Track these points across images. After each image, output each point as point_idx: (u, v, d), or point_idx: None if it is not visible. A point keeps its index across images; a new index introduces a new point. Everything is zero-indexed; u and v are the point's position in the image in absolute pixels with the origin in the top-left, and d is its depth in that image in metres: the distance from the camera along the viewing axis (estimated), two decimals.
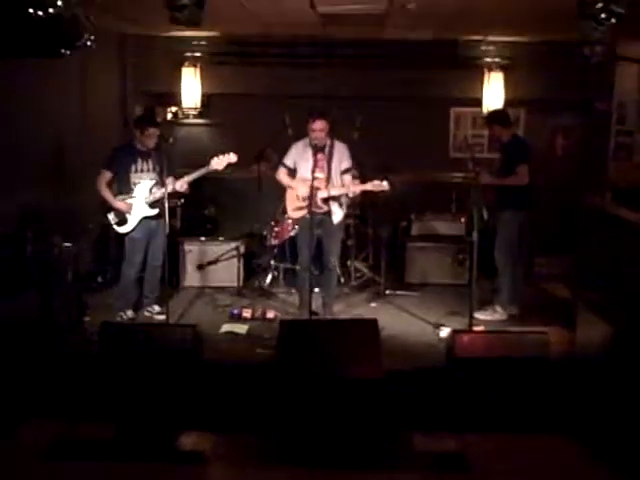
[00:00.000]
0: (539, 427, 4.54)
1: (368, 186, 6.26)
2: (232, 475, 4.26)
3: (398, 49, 8.78)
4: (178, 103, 9.21)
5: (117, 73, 8.91)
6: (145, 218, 6.52)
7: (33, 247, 5.91)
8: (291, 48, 8.82)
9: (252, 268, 8.22)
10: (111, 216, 6.53)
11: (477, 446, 4.36)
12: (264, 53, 8.89)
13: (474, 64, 8.95)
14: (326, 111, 6.45)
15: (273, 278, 7.96)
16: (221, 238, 8.16)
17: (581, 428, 4.52)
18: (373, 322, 5.15)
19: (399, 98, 9.03)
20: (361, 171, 7.19)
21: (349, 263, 7.94)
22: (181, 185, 6.50)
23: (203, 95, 9.11)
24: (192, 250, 7.95)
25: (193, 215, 8.68)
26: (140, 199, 6.50)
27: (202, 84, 9.08)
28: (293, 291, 7.52)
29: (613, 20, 4.84)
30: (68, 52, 4.25)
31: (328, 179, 6.40)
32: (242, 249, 7.87)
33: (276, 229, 7.70)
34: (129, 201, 6.48)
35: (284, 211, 7.10)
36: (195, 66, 9.03)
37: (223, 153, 6.45)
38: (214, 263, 7.91)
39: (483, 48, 8.92)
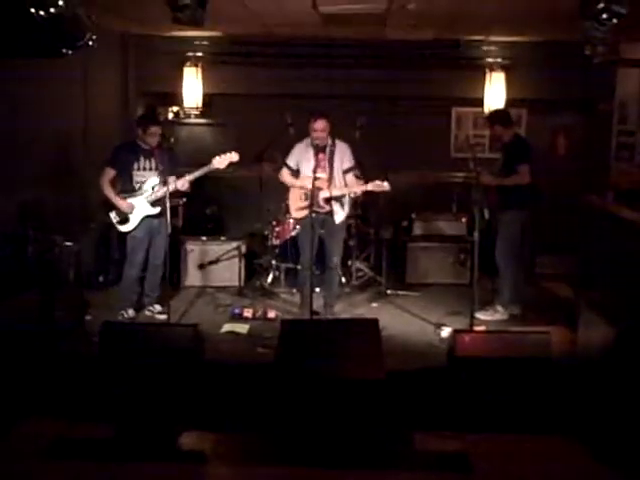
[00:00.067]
0: (541, 427, 4.53)
1: (369, 186, 6.27)
2: (233, 474, 4.26)
3: (399, 49, 8.78)
4: (180, 103, 9.22)
5: (119, 73, 8.92)
6: (147, 217, 6.53)
7: (34, 246, 5.91)
8: (293, 48, 8.82)
9: (253, 268, 8.22)
10: (113, 215, 6.54)
11: (479, 446, 4.35)
12: (266, 53, 8.89)
13: (475, 64, 8.96)
14: (327, 111, 6.46)
15: (274, 278, 7.96)
16: (222, 237, 8.16)
17: (583, 428, 4.51)
18: (374, 322, 5.15)
19: (400, 98, 9.05)
20: (362, 171, 7.19)
21: (350, 263, 7.93)
22: (182, 184, 6.51)
23: (205, 95, 9.12)
24: (193, 249, 7.95)
25: (195, 214, 8.69)
26: (142, 197, 6.50)
27: (204, 84, 9.09)
28: (294, 291, 7.52)
29: (615, 20, 4.83)
30: (70, 52, 4.24)
31: (330, 179, 6.41)
32: (243, 249, 7.88)
33: (277, 229, 7.70)
34: (131, 200, 6.49)
35: (287, 211, 7.10)
36: (197, 66, 9.04)
37: (225, 152, 6.47)
38: (215, 262, 7.91)
39: (484, 48, 8.92)
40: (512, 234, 6.75)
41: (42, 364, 5.19)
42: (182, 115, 9.51)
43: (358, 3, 6.17)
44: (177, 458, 4.29)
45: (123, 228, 6.56)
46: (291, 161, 6.61)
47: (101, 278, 7.66)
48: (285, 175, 6.65)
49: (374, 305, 7.42)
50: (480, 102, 9.01)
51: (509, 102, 8.76)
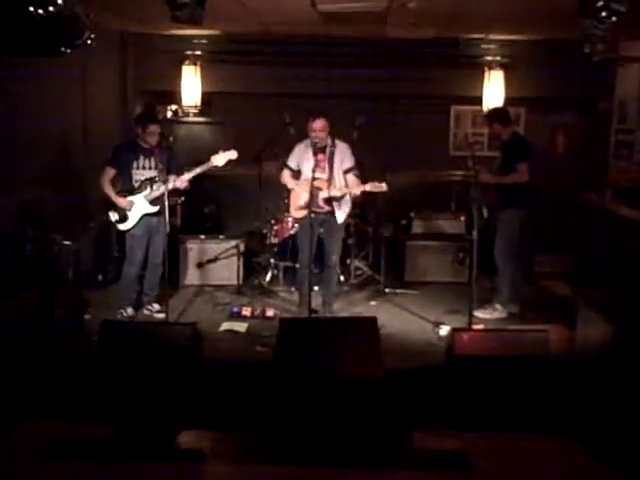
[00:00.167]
0: (539, 426, 4.54)
1: (367, 187, 6.28)
2: (231, 473, 4.26)
3: (398, 48, 8.78)
4: (178, 101, 9.21)
5: (117, 71, 8.90)
6: (145, 215, 6.54)
7: (33, 245, 5.91)
8: (291, 47, 8.81)
9: (252, 266, 8.23)
10: (112, 213, 6.55)
11: (477, 445, 4.35)
12: (264, 52, 8.87)
13: (475, 62, 8.95)
14: (326, 110, 6.46)
15: (273, 276, 7.96)
16: (221, 236, 8.16)
17: (581, 427, 4.52)
18: (373, 320, 5.15)
19: (399, 97, 9.04)
20: (362, 170, 7.18)
21: (349, 261, 7.93)
22: (181, 182, 6.51)
23: (203, 93, 9.10)
24: (192, 248, 7.95)
25: (193, 213, 8.69)
26: (141, 196, 6.51)
27: (202, 82, 9.07)
28: (293, 289, 7.53)
29: (614, 18, 4.83)
30: (68, 50, 4.24)
31: (330, 179, 6.41)
32: (242, 247, 7.88)
33: (276, 227, 7.70)
34: (130, 198, 6.49)
35: (287, 209, 7.10)
36: (195, 64, 9.02)
37: (223, 150, 6.47)
38: (214, 261, 7.91)
39: (484, 46, 8.91)
40: (511, 232, 6.75)
41: (41, 363, 5.19)
42: (181, 114, 9.51)
43: (358, 1, 6.16)
44: (176, 457, 4.29)
45: (122, 226, 6.58)
46: (292, 162, 6.61)
47: (100, 277, 7.67)
48: (286, 176, 6.66)
49: (373, 303, 7.42)
50: (479, 100, 9.00)
51: (508, 100, 8.76)
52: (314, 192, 6.25)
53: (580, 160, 9.03)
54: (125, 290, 6.78)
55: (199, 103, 9.13)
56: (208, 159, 6.47)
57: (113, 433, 4.43)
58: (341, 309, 7.06)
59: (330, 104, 7.19)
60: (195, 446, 4.44)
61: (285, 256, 7.80)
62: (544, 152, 8.81)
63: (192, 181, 6.62)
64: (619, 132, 8.24)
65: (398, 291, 7.74)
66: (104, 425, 4.47)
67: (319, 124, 6.29)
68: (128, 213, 6.51)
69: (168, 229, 6.22)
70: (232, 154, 6.47)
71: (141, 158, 6.54)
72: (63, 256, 6.23)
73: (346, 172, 6.48)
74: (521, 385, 4.77)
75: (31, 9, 3.82)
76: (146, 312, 6.86)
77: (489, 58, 8.91)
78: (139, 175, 6.55)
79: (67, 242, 6.26)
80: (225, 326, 6.52)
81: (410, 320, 6.88)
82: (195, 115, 9.41)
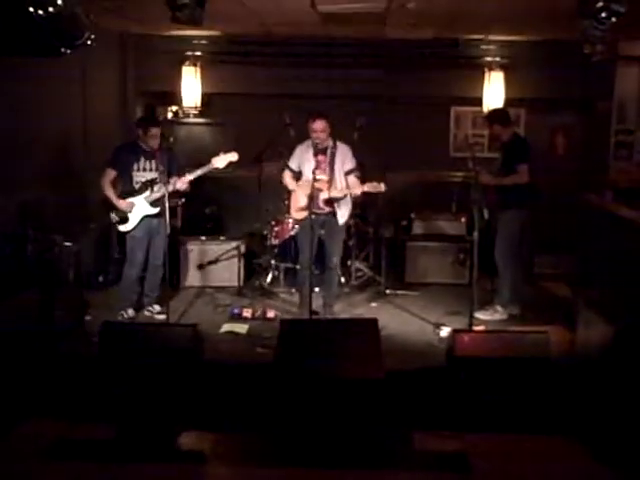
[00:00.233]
0: (540, 427, 4.53)
1: (365, 187, 6.29)
2: (232, 475, 4.25)
3: (398, 49, 8.78)
4: (178, 102, 9.21)
5: (118, 72, 8.91)
6: (146, 217, 6.54)
7: (34, 246, 5.91)
8: (291, 47, 8.81)
9: (253, 267, 8.23)
10: (113, 214, 6.55)
11: (478, 446, 4.35)
12: (264, 52, 8.88)
13: (474, 63, 8.96)
14: (327, 111, 6.45)
15: (274, 277, 7.96)
16: (222, 237, 8.16)
17: (582, 428, 4.51)
18: (373, 322, 5.15)
19: (399, 97, 9.03)
20: (363, 171, 7.18)
21: (350, 263, 7.93)
22: (182, 183, 6.51)
23: (203, 94, 9.11)
24: (193, 249, 7.95)
25: (194, 214, 8.69)
26: (142, 197, 6.51)
27: (202, 83, 9.08)
28: (293, 290, 7.52)
29: (613, 19, 4.83)
30: (68, 51, 4.23)
31: (331, 180, 6.40)
32: (243, 248, 7.88)
33: (277, 228, 7.70)
34: (130, 199, 6.49)
35: (288, 210, 7.10)
36: (195, 65, 9.03)
37: (224, 152, 6.47)
38: (214, 262, 7.91)
39: (483, 47, 8.92)
40: (511, 233, 6.75)
41: (42, 364, 5.19)
42: (181, 115, 9.51)
43: (357, 2, 6.16)
44: (176, 458, 4.29)
45: (122, 228, 6.58)
46: (293, 163, 6.62)
47: (101, 278, 7.67)
48: (287, 177, 6.66)
49: (373, 305, 7.41)
50: (479, 101, 9.00)
51: (508, 101, 8.76)
52: (315, 193, 6.25)
53: (580, 161, 9.04)
54: (126, 291, 6.78)
55: (199, 104, 9.14)
56: (208, 160, 6.48)
57: (114, 434, 4.43)
58: (342, 310, 7.05)
59: (330, 105, 7.19)
60: (196, 447, 4.44)
61: (286, 257, 7.81)
62: (544, 153, 8.81)
63: (193, 183, 6.62)
64: (619, 133, 8.25)
65: (399, 292, 7.73)
66: (105, 426, 4.46)
67: (319, 125, 6.29)
68: (128, 214, 6.51)
69: (169, 230, 6.23)
70: (233, 156, 6.48)
71: (142, 160, 6.55)
72: (64, 257, 6.24)
73: (347, 174, 6.48)
74: (522, 386, 4.77)
75: (31, 10, 3.82)
76: (147, 313, 6.86)
77: (489, 59, 8.91)
78: (140, 177, 6.55)
79: (68, 243, 6.27)
80: (226, 327, 6.52)
81: (411, 321, 6.88)
82: (195, 116, 9.41)
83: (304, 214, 6.42)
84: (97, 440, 4.37)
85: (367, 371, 4.74)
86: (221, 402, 4.89)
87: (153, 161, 6.54)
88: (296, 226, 7.11)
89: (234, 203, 9.04)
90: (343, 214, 6.52)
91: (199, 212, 8.92)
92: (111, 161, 6.56)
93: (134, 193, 6.51)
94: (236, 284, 7.72)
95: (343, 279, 7.74)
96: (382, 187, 6.23)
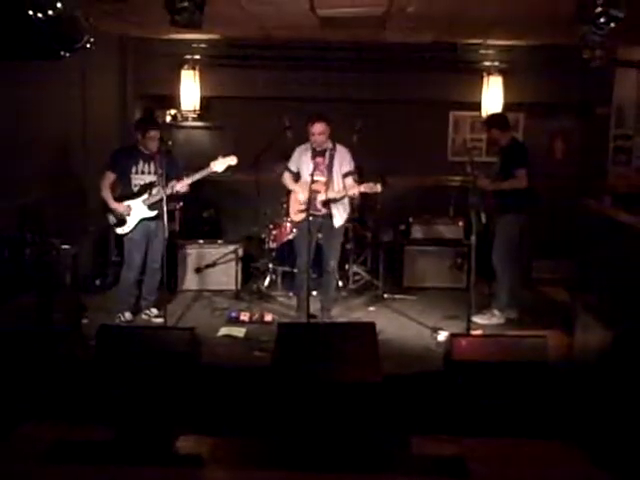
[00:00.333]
0: (538, 431, 4.53)
1: (361, 188, 6.31)
2: (230, 478, 4.24)
3: (397, 52, 8.79)
4: (177, 106, 9.22)
5: (117, 75, 8.91)
6: (144, 219, 6.54)
7: (32, 249, 5.89)
8: (290, 51, 8.83)
9: (250, 271, 8.23)
10: (110, 216, 6.56)
11: (475, 450, 4.34)
12: (263, 56, 8.89)
13: (473, 68, 8.97)
14: (325, 114, 6.47)
15: (271, 281, 7.95)
16: (220, 241, 8.16)
17: (580, 432, 4.51)
18: (371, 325, 5.14)
19: (398, 101, 9.04)
20: (361, 174, 7.20)
21: (347, 266, 7.93)
22: (182, 186, 6.51)
23: (202, 98, 9.11)
24: (191, 253, 7.94)
25: (192, 218, 8.69)
26: (140, 200, 6.51)
27: (201, 87, 9.08)
28: (291, 294, 7.53)
29: (612, 24, 4.84)
30: (68, 54, 4.23)
31: (328, 182, 6.42)
32: (240, 252, 7.87)
33: (274, 232, 7.70)
34: (128, 202, 6.49)
35: (287, 213, 7.11)
36: (194, 69, 9.03)
37: (223, 156, 6.47)
38: (212, 266, 7.90)
39: (482, 52, 8.92)
40: (509, 238, 6.75)
41: (39, 367, 5.18)
42: (180, 118, 9.51)
43: (357, 6, 6.17)
44: (174, 462, 4.28)
45: (120, 230, 6.58)
46: (292, 165, 6.65)
47: (98, 282, 7.67)
48: (287, 179, 6.70)
49: (371, 309, 7.41)
50: (477, 106, 9.01)
51: (506, 106, 8.77)
52: (312, 195, 6.26)
53: (578, 166, 9.05)
54: (123, 294, 6.78)
55: (198, 107, 9.14)
56: (207, 164, 6.49)
57: (112, 437, 4.42)
58: (339, 314, 7.06)
59: (329, 108, 7.19)
60: (193, 451, 4.42)
61: (283, 261, 7.80)
62: (543, 158, 8.82)
63: (191, 186, 6.63)
64: (617, 138, 8.25)
65: (396, 296, 7.73)
66: (103, 428, 4.46)
67: (318, 128, 6.31)
68: (126, 217, 6.51)
69: (167, 234, 6.22)
70: (232, 160, 6.48)
71: (140, 163, 6.55)
72: (62, 260, 6.22)
73: (345, 176, 6.50)
74: (519, 391, 4.77)
75: (30, 13, 3.82)
76: (144, 317, 6.86)
77: (487, 63, 8.93)
78: (138, 180, 6.55)
79: (66, 246, 6.25)
80: (223, 331, 6.52)
81: (408, 325, 6.88)
82: (194, 119, 9.43)
83: (303, 215, 6.43)
84: (95, 442, 4.36)
85: (365, 375, 4.73)
86: (219, 406, 4.88)
87: (152, 164, 6.54)
88: (294, 230, 7.12)
89: (232, 207, 9.05)
90: (339, 216, 6.53)
91: (197, 215, 8.92)
92: (110, 164, 6.57)
93: (132, 196, 6.52)
94: (234, 288, 7.72)
95: (341, 283, 7.75)
96: (378, 188, 6.25)
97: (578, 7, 4.95)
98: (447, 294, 7.77)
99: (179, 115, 9.47)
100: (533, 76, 8.83)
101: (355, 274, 8.05)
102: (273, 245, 7.76)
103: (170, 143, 8.59)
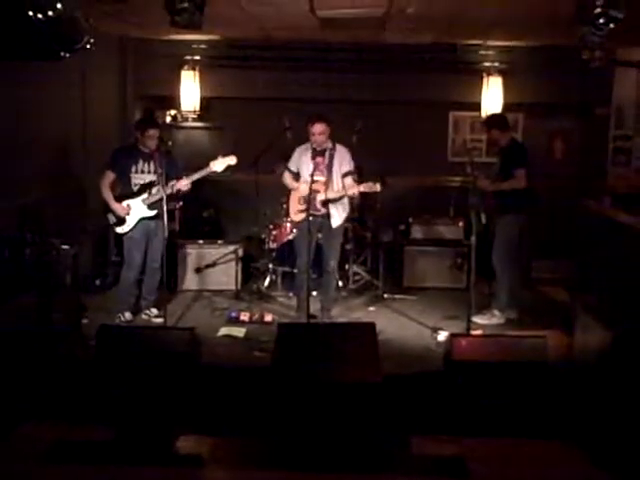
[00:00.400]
0: (538, 431, 4.53)
1: (361, 187, 6.33)
2: (230, 478, 4.25)
3: (396, 53, 8.80)
4: (177, 106, 9.22)
5: (117, 76, 8.91)
6: (143, 219, 6.54)
7: (32, 249, 5.90)
8: (290, 52, 8.83)
9: (250, 271, 8.24)
10: (110, 215, 6.56)
11: (475, 450, 4.34)
12: (263, 57, 8.89)
13: (473, 68, 8.97)
14: (325, 114, 6.48)
15: (271, 281, 7.96)
16: (220, 241, 8.17)
17: (580, 432, 4.51)
18: (371, 326, 5.14)
19: (398, 102, 9.05)
20: (361, 175, 7.21)
21: (347, 267, 7.93)
22: (184, 184, 6.52)
23: (202, 98, 9.12)
24: (191, 253, 7.95)
25: (192, 218, 8.69)
26: (139, 200, 6.51)
27: (201, 87, 9.09)
28: (291, 294, 7.53)
29: (612, 25, 4.84)
30: (68, 55, 4.24)
31: (327, 182, 6.42)
32: (240, 252, 7.87)
33: (274, 232, 7.71)
34: (127, 202, 6.50)
35: (287, 213, 7.12)
36: (194, 69, 9.04)
37: (222, 155, 6.48)
38: (212, 266, 7.91)
39: (482, 52, 8.93)
40: (509, 238, 6.76)
41: (39, 367, 5.18)
42: (180, 119, 9.52)
43: (357, 7, 6.17)
44: (174, 462, 4.28)
45: (119, 229, 6.59)
46: (292, 165, 6.67)
47: (98, 282, 7.67)
48: (287, 178, 6.72)
49: (371, 309, 7.42)
50: (477, 106, 9.02)
51: (506, 106, 8.78)
52: (312, 195, 6.27)
53: (578, 166, 9.06)
54: (123, 294, 6.78)
55: (198, 108, 9.15)
56: (207, 164, 6.49)
57: (112, 436, 4.42)
58: (339, 314, 7.06)
59: (329, 109, 7.20)
60: (194, 451, 4.42)
61: (283, 261, 7.81)
62: (542, 158, 8.82)
63: (191, 185, 6.63)
64: (617, 139, 8.25)
65: (396, 296, 7.74)
66: (103, 428, 4.46)
67: (318, 128, 6.33)
68: (126, 216, 6.52)
69: (167, 233, 6.23)
70: (231, 159, 6.49)
71: (140, 162, 6.55)
72: (61, 260, 6.23)
73: (344, 176, 6.51)
74: (519, 391, 4.77)
75: (30, 13, 3.82)
76: (144, 317, 6.86)
77: (487, 64, 8.93)
78: (138, 179, 6.56)
79: (65, 246, 6.26)
80: (223, 331, 6.52)
81: (408, 325, 6.88)
82: (194, 120, 9.44)
83: (303, 215, 6.44)
84: (95, 442, 4.37)
85: (365, 375, 4.73)
86: (218, 406, 4.89)
87: (151, 163, 6.55)
88: (294, 230, 7.12)
89: (232, 207, 9.05)
90: (338, 216, 6.54)
91: (197, 215, 8.93)
92: (110, 163, 6.57)
93: (132, 195, 6.52)
94: (234, 288, 7.72)
95: (341, 283, 7.75)
96: (377, 187, 6.27)
97: (578, 8, 4.96)
98: (447, 294, 7.78)
99: (179, 116, 9.47)
100: (533, 77, 8.84)
101: (355, 274, 8.06)
102: (273, 245, 7.76)
103: (170, 143, 8.59)
